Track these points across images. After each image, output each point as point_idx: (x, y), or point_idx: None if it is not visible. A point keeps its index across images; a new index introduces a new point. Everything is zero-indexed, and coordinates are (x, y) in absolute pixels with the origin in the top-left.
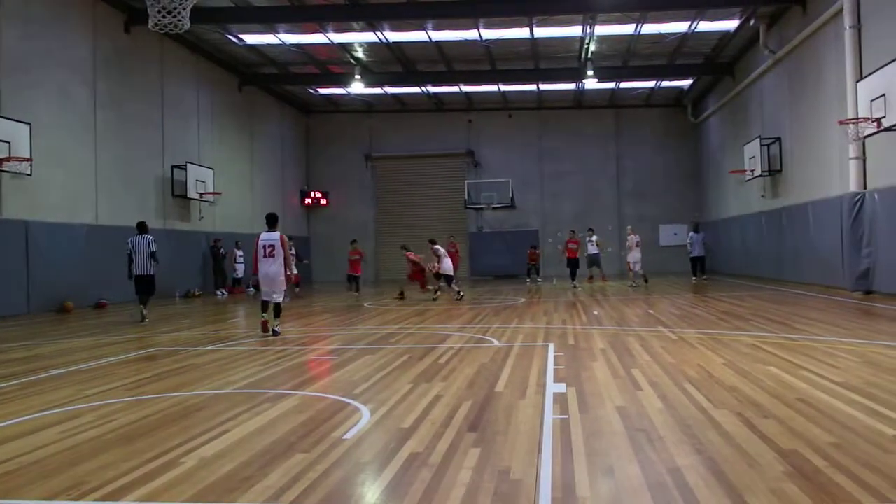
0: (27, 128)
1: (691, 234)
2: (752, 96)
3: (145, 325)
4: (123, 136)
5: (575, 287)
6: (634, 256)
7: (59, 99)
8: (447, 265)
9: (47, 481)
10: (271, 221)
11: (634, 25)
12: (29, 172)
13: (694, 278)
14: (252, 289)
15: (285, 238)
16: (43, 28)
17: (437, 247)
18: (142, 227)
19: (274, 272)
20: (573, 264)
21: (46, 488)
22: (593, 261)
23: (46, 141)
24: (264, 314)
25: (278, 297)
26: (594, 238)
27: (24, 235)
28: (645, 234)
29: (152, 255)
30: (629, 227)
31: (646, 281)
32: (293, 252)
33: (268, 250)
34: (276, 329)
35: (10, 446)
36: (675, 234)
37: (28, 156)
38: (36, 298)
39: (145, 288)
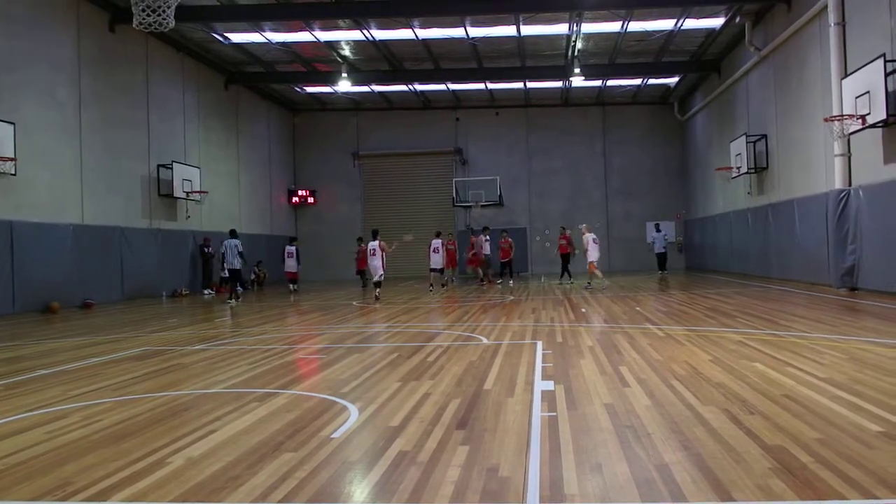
0: (11, 127)
1: (654, 233)
2: (738, 93)
3: (234, 304)
4: (109, 135)
5: (571, 283)
6: (593, 255)
7: (44, 98)
8: (434, 259)
9: (33, 482)
10: (374, 234)
11: (620, 23)
12: (13, 172)
13: (659, 272)
14: (241, 288)
15: (384, 243)
16: (26, 27)
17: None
18: (232, 233)
19: (376, 265)
20: (565, 260)
21: (32, 489)
22: (487, 261)
23: (31, 140)
24: (376, 290)
25: (378, 278)
26: (489, 238)
27: (9, 235)
28: (632, 231)
29: (240, 255)
30: (584, 226)
31: (603, 287)
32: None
33: (371, 251)
34: (377, 295)
35: None
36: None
37: (12, 155)
38: (21, 298)
39: (234, 278)
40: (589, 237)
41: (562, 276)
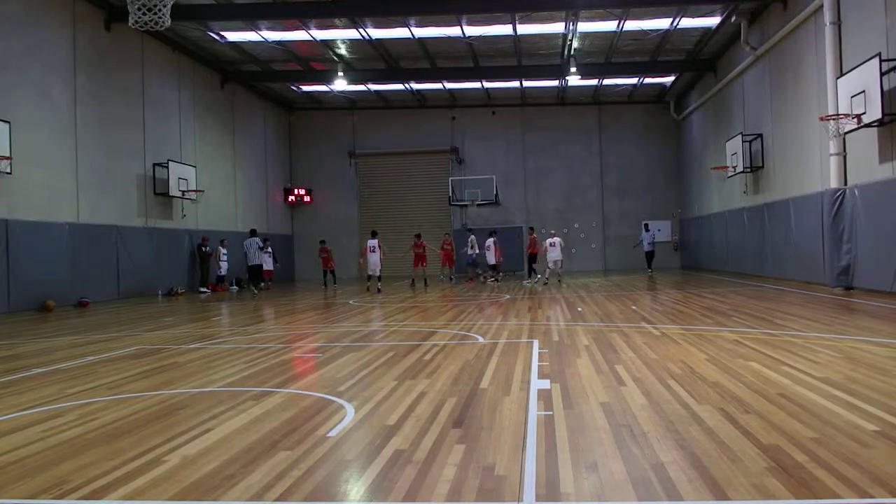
0: (6, 126)
1: (643, 233)
2: (733, 93)
3: (257, 297)
4: (104, 134)
5: (527, 283)
6: (553, 255)
7: (39, 97)
8: (488, 257)
9: (29, 480)
10: (373, 234)
11: (617, 22)
12: (9, 171)
13: (649, 270)
14: (235, 287)
15: (381, 242)
16: (22, 26)
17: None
18: (253, 232)
19: (375, 260)
20: (530, 260)
21: (28, 488)
22: (472, 262)
23: (26, 139)
24: (369, 283)
25: (378, 273)
26: (472, 238)
27: (5, 234)
28: (627, 230)
29: (261, 250)
30: (552, 231)
31: (545, 283)
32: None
33: (371, 248)
34: (380, 287)
35: None
36: (659, 230)
37: (8, 154)
38: (16, 297)
39: (257, 273)
40: (547, 241)
41: (529, 274)
